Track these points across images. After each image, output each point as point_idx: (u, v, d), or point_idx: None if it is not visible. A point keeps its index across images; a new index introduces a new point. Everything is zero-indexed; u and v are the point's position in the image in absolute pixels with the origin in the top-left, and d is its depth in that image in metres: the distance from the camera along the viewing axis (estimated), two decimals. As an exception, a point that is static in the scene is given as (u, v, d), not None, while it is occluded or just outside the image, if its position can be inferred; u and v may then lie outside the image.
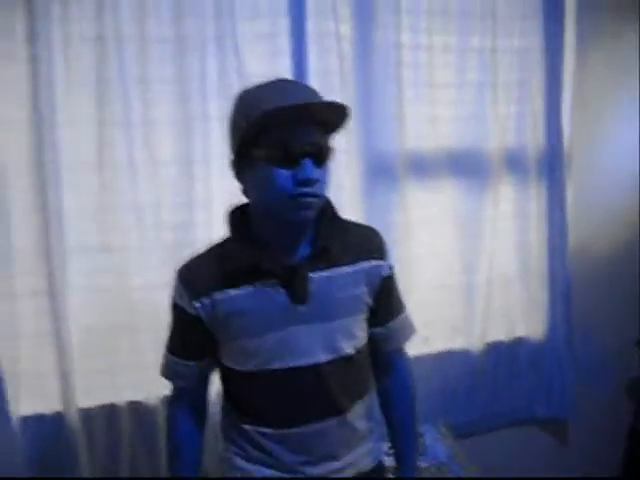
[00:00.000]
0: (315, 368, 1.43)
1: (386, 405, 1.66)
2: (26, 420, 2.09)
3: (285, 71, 2.18)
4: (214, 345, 1.47)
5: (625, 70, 2.78)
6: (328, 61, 2.23)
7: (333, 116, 1.33)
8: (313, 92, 1.36)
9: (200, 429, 1.57)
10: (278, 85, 1.35)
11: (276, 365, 1.41)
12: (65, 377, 2.05)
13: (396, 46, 2.32)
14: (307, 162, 1.28)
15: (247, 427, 1.49)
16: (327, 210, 1.45)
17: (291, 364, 1.41)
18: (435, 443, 2.38)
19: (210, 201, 2.12)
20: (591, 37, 2.68)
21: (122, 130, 2.02)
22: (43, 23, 1.91)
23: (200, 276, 1.41)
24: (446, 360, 2.61)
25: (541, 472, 2.91)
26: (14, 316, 2.01)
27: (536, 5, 2.53)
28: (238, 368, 1.45)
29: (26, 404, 2.07)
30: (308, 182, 1.28)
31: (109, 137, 2.02)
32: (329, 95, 2.04)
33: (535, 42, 2.54)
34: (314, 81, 2.20)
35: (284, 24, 2.19)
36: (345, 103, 1.31)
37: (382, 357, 1.62)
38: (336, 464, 1.51)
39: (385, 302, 1.57)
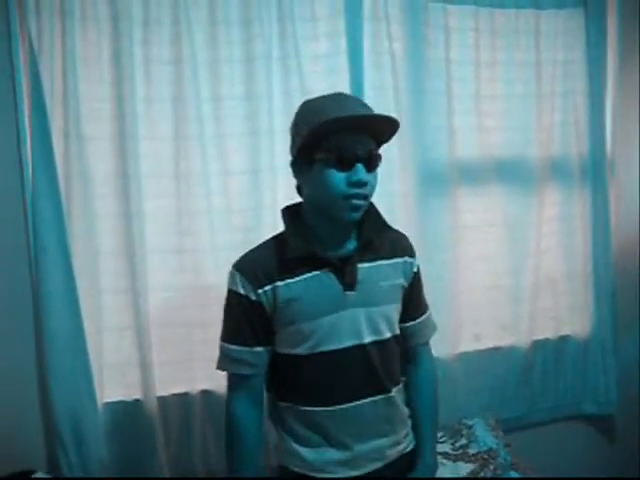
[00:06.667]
0: (361, 348, 1.58)
1: (411, 395, 1.77)
2: (109, 406, 2.20)
3: (344, 87, 2.29)
4: (271, 333, 1.60)
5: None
6: (383, 77, 2.36)
7: (384, 128, 1.51)
8: (366, 106, 1.52)
9: (261, 417, 1.65)
10: (336, 98, 1.53)
11: (328, 346, 1.55)
12: (144, 368, 2.18)
13: (446, 61, 2.45)
14: (359, 166, 1.46)
15: (300, 408, 1.60)
16: (371, 209, 1.61)
17: (341, 345, 1.56)
18: (485, 433, 2.44)
19: (275, 207, 2.22)
20: (633, 47, 2.73)
21: (196, 143, 2.17)
22: (126, 45, 2.07)
23: (261, 266, 1.55)
24: (495, 356, 2.68)
25: (589, 467, 2.91)
26: (100, 312, 2.14)
27: (578, 19, 2.62)
28: (292, 352, 1.58)
29: (109, 392, 2.19)
30: (359, 183, 1.46)
31: (185, 150, 2.17)
32: (384, 108, 2.19)
33: (578, 54, 2.62)
34: (370, 96, 2.32)
35: (342, 44, 2.32)
36: (396, 116, 1.49)
37: (410, 350, 1.77)
38: (383, 441, 1.64)
39: (415, 298, 1.74)
